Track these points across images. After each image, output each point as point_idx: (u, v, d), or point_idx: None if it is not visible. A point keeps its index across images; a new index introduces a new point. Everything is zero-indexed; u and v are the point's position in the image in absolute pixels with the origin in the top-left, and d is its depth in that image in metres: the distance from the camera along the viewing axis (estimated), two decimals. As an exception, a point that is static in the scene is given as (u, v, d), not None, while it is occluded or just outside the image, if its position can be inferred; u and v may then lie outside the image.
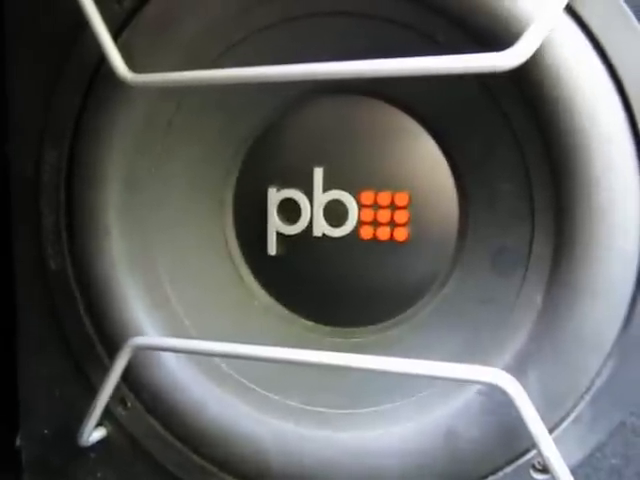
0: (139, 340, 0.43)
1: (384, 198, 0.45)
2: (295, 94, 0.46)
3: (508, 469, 0.39)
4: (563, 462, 0.35)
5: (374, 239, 0.46)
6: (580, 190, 0.35)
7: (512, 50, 0.33)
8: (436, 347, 0.43)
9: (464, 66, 0.33)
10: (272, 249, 0.49)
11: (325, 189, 0.47)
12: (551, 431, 0.37)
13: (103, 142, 0.44)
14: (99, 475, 0.49)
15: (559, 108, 0.35)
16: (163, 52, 0.42)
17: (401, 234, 0.45)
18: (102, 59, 0.42)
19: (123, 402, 0.47)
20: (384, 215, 0.46)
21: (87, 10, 0.41)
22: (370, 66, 0.35)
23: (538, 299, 0.38)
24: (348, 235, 0.46)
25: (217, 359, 0.45)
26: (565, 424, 0.38)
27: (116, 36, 0.42)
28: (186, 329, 0.46)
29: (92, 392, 0.46)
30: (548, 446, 0.35)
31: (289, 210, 0.48)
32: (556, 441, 0.35)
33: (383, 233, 0.46)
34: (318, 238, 0.47)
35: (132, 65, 0.41)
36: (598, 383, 0.37)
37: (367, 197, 0.46)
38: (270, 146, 0.48)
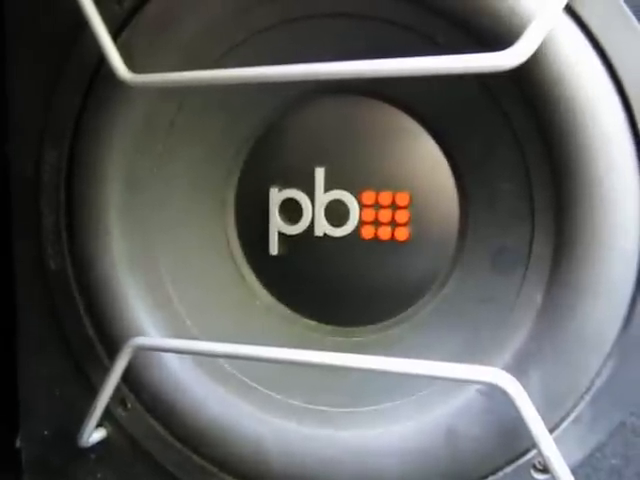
0: (140, 340, 0.43)
1: (385, 198, 0.45)
2: (296, 94, 0.46)
3: (508, 469, 0.39)
4: (563, 462, 0.35)
5: (375, 239, 0.46)
6: (580, 190, 0.35)
7: (512, 50, 0.33)
8: (436, 346, 0.43)
9: (464, 66, 0.33)
10: (274, 249, 0.49)
11: (326, 189, 0.47)
12: (551, 431, 0.37)
13: (103, 142, 0.44)
14: (99, 476, 0.49)
15: (559, 108, 0.35)
16: (163, 52, 0.42)
17: (402, 234, 0.45)
18: (102, 59, 0.42)
19: (123, 403, 0.47)
20: (385, 215, 0.46)
21: (87, 10, 0.41)
22: (371, 66, 0.35)
23: (538, 299, 0.38)
24: (349, 235, 0.47)
25: (220, 359, 0.45)
26: (565, 424, 0.38)
27: (116, 36, 0.42)
28: (188, 329, 0.46)
29: (92, 392, 0.45)
30: (548, 446, 0.35)
31: (291, 210, 0.48)
32: (556, 441, 0.35)
33: (384, 233, 0.46)
34: (319, 238, 0.47)
35: (132, 65, 0.41)
36: (598, 383, 0.37)
37: (368, 197, 0.46)
38: (271, 146, 0.48)
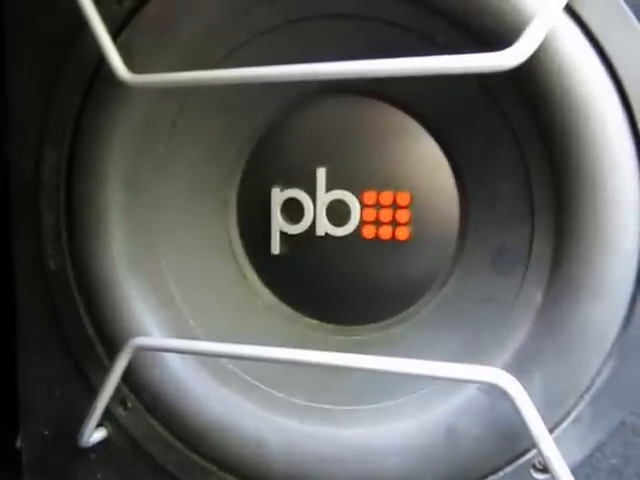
0: (140, 341, 0.43)
1: (386, 198, 0.46)
2: (297, 95, 0.46)
3: (508, 469, 0.39)
4: (563, 462, 0.35)
5: (376, 238, 0.46)
6: (580, 190, 0.35)
7: (512, 50, 0.33)
8: (437, 345, 0.43)
9: (464, 66, 0.33)
10: (275, 248, 0.49)
11: (328, 189, 0.47)
12: (551, 431, 0.37)
13: (103, 142, 0.44)
14: (99, 476, 0.49)
15: (559, 108, 0.35)
16: (163, 52, 0.42)
17: (403, 233, 0.45)
18: (102, 59, 0.42)
19: (123, 403, 0.47)
20: (386, 214, 0.46)
21: (86, 10, 0.41)
22: (371, 66, 0.35)
23: (538, 298, 0.38)
24: (351, 234, 0.47)
25: (222, 358, 0.45)
26: (565, 424, 0.38)
27: (116, 36, 0.42)
28: (190, 329, 0.46)
29: (92, 392, 0.45)
30: (548, 446, 0.34)
31: (292, 210, 0.48)
32: (556, 441, 0.35)
33: (385, 232, 0.46)
34: (321, 237, 0.47)
35: (132, 65, 0.40)
36: (598, 383, 0.37)
37: (369, 197, 0.46)
38: (273, 146, 0.48)
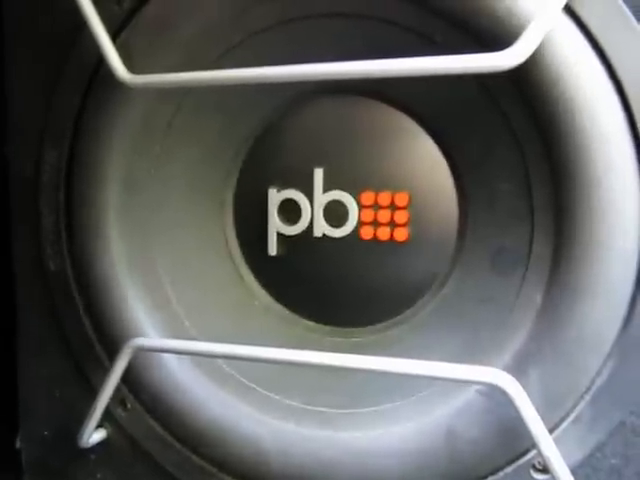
0: (139, 341, 0.43)
1: (384, 198, 0.45)
2: (295, 95, 0.46)
3: (508, 469, 0.39)
4: (563, 462, 0.35)
5: (374, 239, 0.46)
6: (580, 190, 0.35)
7: (511, 50, 0.33)
8: (436, 347, 0.43)
9: (463, 66, 0.33)
10: (272, 249, 0.49)
11: (325, 190, 0.47)
12: (551, 431, 0.37)
13: (103, 142, 0.44)
14: (99, 476, 0.49)
15: (558, 108, 0.35)
16: (162, 53, 0.42)
17: (401, 234, 0.45)
18: (101, 59, 0.42)
19: (123, 403, 0.47)
20: (384, 215, 0.46)
21: (85, 11, 0.41)
22: (369, 66, 0.34)
23: (538, 299, 0.38)
24: (348, 235, 0.47)
25: (218, 359, 0.45)
26: (565, 424, 0.38)
27: (115, 37, 0.42)
28: (186, 330, 0.46)
29: (92, 393, 0.45)
30: (548, 446, 0.35)
31: (289, 211, 0.48)
32: (556, 441, 0.35)
33: (383, 233, 0.46)
34: (318, 238, 0.47)
35: (131, 66, 0.41)
36: (598, 383, 0.37)
37: (367, 197, 0.46)
38: (270, 147, 0.48)
